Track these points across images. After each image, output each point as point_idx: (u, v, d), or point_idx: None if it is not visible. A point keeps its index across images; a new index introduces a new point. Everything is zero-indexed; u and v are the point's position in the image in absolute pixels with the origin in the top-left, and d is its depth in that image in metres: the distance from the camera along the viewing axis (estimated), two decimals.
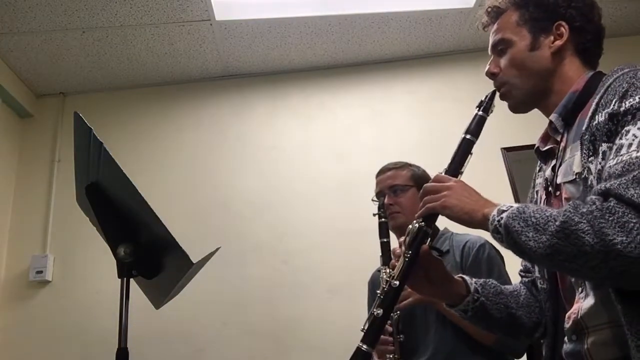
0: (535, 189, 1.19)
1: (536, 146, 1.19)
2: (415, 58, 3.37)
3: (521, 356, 1.69)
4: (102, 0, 2.68)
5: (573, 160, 0.99)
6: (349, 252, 2.82)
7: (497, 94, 1.18)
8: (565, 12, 1.12)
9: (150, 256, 1.22)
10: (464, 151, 1.14)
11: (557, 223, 0.83)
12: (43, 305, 2.89)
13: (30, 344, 2.80)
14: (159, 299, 1.39)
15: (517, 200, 2.89)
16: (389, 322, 1.64)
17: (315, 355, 2.71)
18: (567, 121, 1.07)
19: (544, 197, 1.12)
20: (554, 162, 1.10)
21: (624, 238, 0.77)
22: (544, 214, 0.86)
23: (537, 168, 1.23)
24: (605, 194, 0.83)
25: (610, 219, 0.79)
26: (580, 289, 1.00)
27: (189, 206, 3.06)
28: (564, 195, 1.02)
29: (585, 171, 0.94)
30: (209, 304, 2.82)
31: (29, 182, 3.18)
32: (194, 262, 1.13)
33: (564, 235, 0.82)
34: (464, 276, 1.20)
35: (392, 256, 1.22)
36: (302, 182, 3.10)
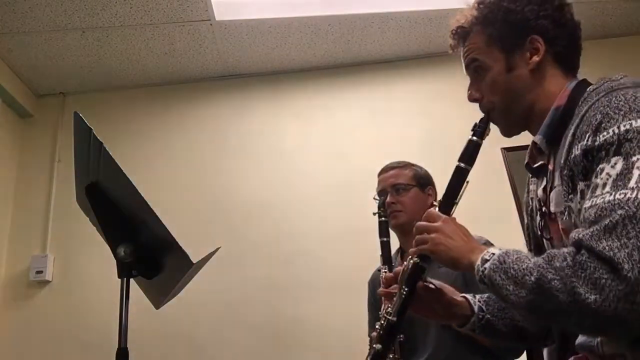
0: (530, 196, 1.16)
1: (526, 161, 1.14)
2: (415, 58, 3.37)
3: (520, 356, 1.69)
4: (102, 0, 2.68)
5: (560, 189, 0.97)
6: (349, 252, 2.82)
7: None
8: (536, 24, 1.05)
9: (150, 256, 1.22)
10: (458, 181, 1.12)
11: (532, 278, 0.83)
12: (43, 305, 2.89)
13: (30, 344, 2.80)
14: (159, 299, 1.39)
15: (517, 200, 2.89)
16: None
17: (315, 355, 2.71)
18: (552, 142, 1.02)
19: (538, 218, 1.10)
20: (544, 182, 1.06)
21: (597, 296, 0.75)
22: (522, 266, 0.85)
23: (530, 175, 1.20)
24: (577, 246, 0.81)
25: (582, 275, 0.77)
26: None
27: (189, 206, 3.06)
28: (560, 225, 0.99)
29: (567, 210, 0.94)
30: (209, 304, 2.82)
31: (29, 182, 3.18)
32: (194, 262, 1.12)
33: (539, 291, 0.81)
34: (467, 296, 1.21)
35: (382, 283, 1.26)
36: (302, 182, 3.10)
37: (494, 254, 0.92)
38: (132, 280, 1.24)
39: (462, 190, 1.12)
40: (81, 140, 1.26)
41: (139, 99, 3.39)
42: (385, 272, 1.71)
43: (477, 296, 1.21)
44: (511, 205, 2.87)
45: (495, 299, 1.20)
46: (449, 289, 1.21)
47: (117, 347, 1.16)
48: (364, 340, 1.94)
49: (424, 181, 1.89)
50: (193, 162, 3.21)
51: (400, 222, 1.82)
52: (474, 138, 1.12)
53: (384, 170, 1.91)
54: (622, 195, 0.79)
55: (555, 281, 0.79)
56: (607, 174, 0.83)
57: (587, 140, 0.88)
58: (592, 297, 0.75)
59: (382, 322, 1.13)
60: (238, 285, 2.88)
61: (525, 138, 2.68)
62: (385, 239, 1.74)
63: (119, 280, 1.21)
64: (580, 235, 0.81)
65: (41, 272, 2.91)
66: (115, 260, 1.21)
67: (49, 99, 3.38)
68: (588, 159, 0.88)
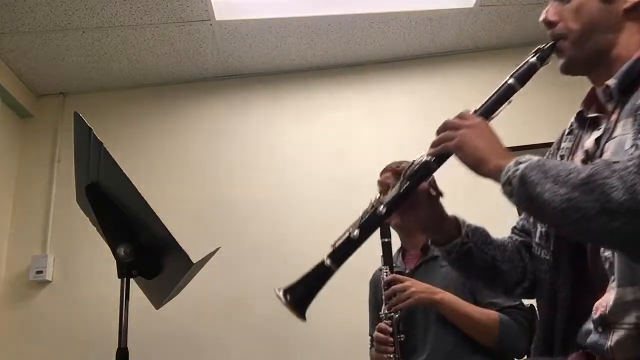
0: (561, 153, 1.09)
1: (579, 110, 1.07)
2: (415, 58, 3.36)
3: (522, 356, 1.69)
4: (102, 0, 2.68)
5: (625, 138, 0.88)
6: None
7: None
8: None
9: (150, 256, 1.23)
10: (501, 95, 1.02)
11: (581, 175, 0.75)
12: (43, 305, 2.89)
13: (30, 344, 2.80)
14: (159, 299, 1.39)
15: None
16: (389, 322, 1.65)
17: (315, 355, 2.71)
18: (623, 90, 0.94)
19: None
20: (598, 132, 0.98)
21: None
22: (568, 167, 0.78)
23: (567, 130, 1.12)
24: None
25: None
26: (612, 278, 0.90)
27: (188, 206, 3.06)
28: None
29: (634, 148, 0.84)
30: (209, 304, 2.82)
31: (29, 182, 3.18)
32: (194, 262, 1.13)
33: (587, 189, 0.73)
34: (458, 217, 1.13)
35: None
36: (302, 182, 3.10)
37: (531, 157, 0.84)
38: (132, 280, 1.24)
39: (504, 105, 1.02)
40: (81, 140, 1.26)
41: (139, 99, 3.38)
42: (386, 272, 1.71)
43: (467, 223, 1.13)
44: (512, 204, 2.87)
45: (483, 231, 1.14)
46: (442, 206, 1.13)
47: (117, 347, 1.16)
48: (364, 340, 1.94)
49: None
50: (193, 162, 3.21)
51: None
52: (532, 59, 1.03)
53: (386, 170, 1.91)
54: None
55: (612, 179, 0.72)
56: None
57: None
58: None
59: (369, 207, 1.02)
60: (238, 285, 2.88)
61: (525, 138, 2.69)
62: (386, 240, 1.75)
63: (119, 280, 1.21)
64: None
65: (41, 272, 2.91)
66: (115, 260, 1.21)
67: (49, 99, 3.38)
68: None
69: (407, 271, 1.80)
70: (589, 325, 0.93)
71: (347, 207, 3.01)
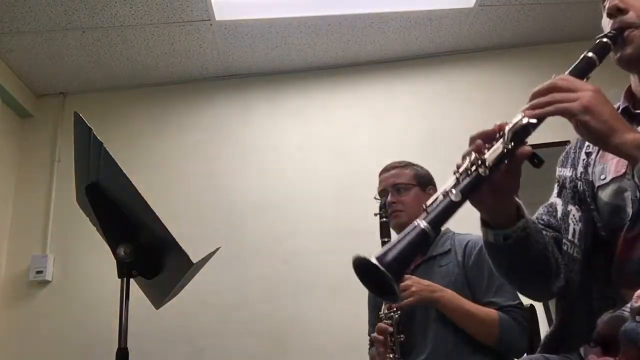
0: (586, 151, 1.04)
1: (624, 105, 1.02)
2: (415, 58, 3.37)
3: (521, 356, 1.69)
4: (102, 0, 2.68)
5: None
6: (350, 252, 2.78)
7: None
8: None
9: (150, 256, 1.23)
10: (584, 67, 0.93)
11: None
12: (43, 305, 2.89)
13: (30, 344, 2.80)
14: (159, 299, 1.39)
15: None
16: (389, 322, 1.65)
17: (315, 355, 2.71)
18: None
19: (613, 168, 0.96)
20: None
21: None
22: None
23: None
24: None
25: None
26: None
27: (189, 206, 3.06)
28: None
29: None
30: (209, 304, 2.82)
31: (29, 182, 3.18)
32: (194, 262, 1.13)
33: None
34: (519, 201, 1.02)
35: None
36: (302, 182, 3.10)
37: None
38: (132, 280, 1.24)
39: (586, 77, 0.92)
40: (81, 140, 1.26)
41: (139, 99, 3.38)
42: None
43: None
44: None
45: (535, 222, 1.07)
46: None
47: (117, 347, 1.16)
48: (364, 340, 1.94)
49: (424, 181, 1.89)
50: (193, 162, 3.21)
51: (401, 222, 1.82)
52: (604, 40, 0.95)
53: (385, 170, 1.92)
54: None
55: None
56: None
57: None
58: None
59: (471, 169, 0.87)
60: (238, 285, 2.88)
61: (545, 136, 2.63)
62: (386, 240, 1.75)
63: (119, 280, 1.21)
64: None
65: (41, 272, 2.91)
66: (115, 260, 1.21)
67: (49, 99, 3.38)
68: None
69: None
70: (621, 313, 0.87)
71: (347, 207, 3.05)
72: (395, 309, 1.64)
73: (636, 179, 0.77)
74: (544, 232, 1.09)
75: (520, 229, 0.98)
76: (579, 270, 1.02)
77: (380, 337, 1.65)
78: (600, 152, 1.03)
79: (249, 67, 3.33)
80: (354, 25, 3.05)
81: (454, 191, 0.86)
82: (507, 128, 0.88)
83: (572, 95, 0.84)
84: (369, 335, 1.88)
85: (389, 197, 1.82)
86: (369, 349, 1.89)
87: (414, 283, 1.61)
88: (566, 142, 1.23)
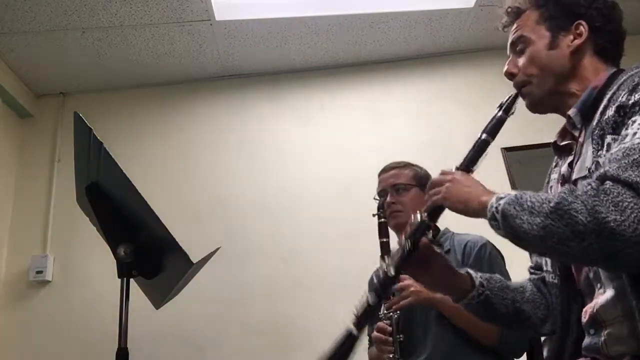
0: (550, 185, 1.19)
1: (554, 140, 1.18)
2: (415, 58, 3.37)
3: (521, 356, 1.69)
4: (102, 0, 2.68)
5: (586, 156, 0.99)
6: (349, 252, 2.82)
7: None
8: (586, 11, 1.11)
9: (150, 256, 1.23)
10: (477, 150, 1.14)
11: (551, 204, 0.83)
12: (43, 305, 2.89)
13: (30, 344, 2.80)
14: (159, 299, 1.39)
15: None
16: (388, 322, 1.65)
17: (315, 355, 2.69)
18: (585, 117, 1.06)
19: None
20: (570, 157, 1.10)
21: (618, 216, 0.76)
22: (540, 198, 0.86)
23: (554, 163, 1.22)
24: (602, 178, 0.83)
25: (605, 198, 0.78)
26: (598, 285, 0.98)
27: (189, 206, 3.06)
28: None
29: (594, 166, 0.94)
30: (209, 304, 2.81)
31: (29, 182, 3.18)
32: (194, 262, 1.13)
33: (557, 216, 0.81)
34: (469, 270, 1.21)
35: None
36: (302, 182, 3.10)
37: (509, 193, 0.93)
38: (132, 280, 1.24)
39: (481, 158, 1.13)
40: (81, 140, 1.26)
41: (139, 99, 3.38)
42: (383, 262, 1.70)
43: (479, 273, 1.21)
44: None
45: (498, 278, 1.22)
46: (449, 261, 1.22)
47: (117, 347, 1.16)
48: (364, 340, 1.94)
49: (424, 181, 1.89)
50: (193, 162, 3.21)
51: (400, 222, 1.82)
52: (500, 113, 1.15)
53: (384, 171, 1.91)
54: None
55: (576, 204, 0.80)
56: (637, 123, 0.86)
57: (622, 98, 0.92)
58: (613, 216, 0.76)
59: (380, 273, 1.13)
60: (238, 285, 2.88)
61: (525, 138, 2.69)
62: (385, 240, 1.74)
63: (119, 280, 1.21)
64: (606, 168, 0.83)
65: (41, 272, 2.91)
66: (115, 260, 1.21)
67: (49, 99, 3.38)
68: (620, 114, 0.91)
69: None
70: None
71: (347, 207, 3.05)
72: (394, 309, 1.64)
73: (495, 225, 0.92)
74: (532, 277, 1.24)
75: (476, 296, 1.16)
76: (558, 294, 1.13)
77: (381, 337, 1.65)
78: (557, 183, 1.15)
79: (249, 67, 3.34)
80: (354, 25, 3.05)
81: (370, 297, 1.13)
82: (402, 238, 1.13)
83: (437, 190, 1.07)
84: (369, 334, 1.88)
85: (388, 198, 1.82)
86: (369, 348, 1.89)
87: (413, 283, 1.61)
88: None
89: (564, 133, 1.15)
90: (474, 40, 3.21)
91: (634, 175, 0.78)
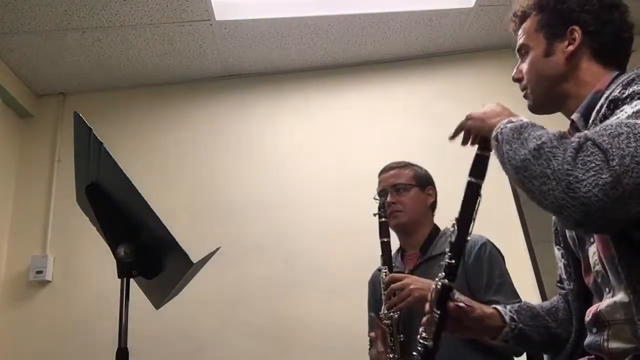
0: None
1: None
2: (415, 58, 3.37)
3: (521, 355, 1.69)
4: (102, 0, 2.68)
5: None
6: (350, 252, 2.82)
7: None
8: (579, 16, 1.12)
9: (150, 256, 1.22)
10: (472, 198, 1.14)
11: (538, 142, 0.86)
12: (43, 305, 2.89)
13: (30, 344, 2.80)
14: (159, 299, 1.39)
15: (517, 200, 2.89)
16: (388, 322, 1.65)
17: (315, 355, 2.71)
18: (588, 120, 1.05)
19: None
20: None
21: (580, 174, 0.78)
22: (536, 133, 0.89)
23: None
24: (584, 137, 0.84)
25: (580, 155, 0.80)
26: (607, 289, 0.99)
27: (189, 206, 3.06)
28: None
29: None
30: (209, 304, 2.82)
31: (29, 182, 3.18)
32: (194, 262, 1.13)
33: (537, 153, 0.84)
34: (497, 307, 1.22)
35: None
36: (302, 181, 3.10)
37: (522, 120, 0.97)
38: (132, 280, 1.24)
39: (477, 205, 1.13)
40: (81, 140, 1.26)
41: (139, 99, 3.38)
42: (385, 272, 1.71)
43: (508, 307, 1.22)
44: (511, 205, 2.87)
45: (526, 306, 1.23)
46: (477, 304, 1.22)
47: (117, 347, 1.16)
48: (364, 340, 1.94)
49: (424, 181, 1.89)
50: (193, 162, 3.21)
51: (400, 222, 1.82)
52: (479, 152, 1.16)
53: (385, 170, 1.91)
54: (632, 120, 0.83)
55: (557, 149, 0.83)
56: (625, 111, 0.87)
57: (615, 92, 0.93)
58: (577, 173, 0.79)
59: (419, 347, 1.14)
60: (238, 285, 2.88)
61: None
62: (385, 240, 1.74)
63: (119, 280, 1.21)
64: (586, 133, 0.84)
65: (41, 272, 2.91)
66: (115, 260, 1.21)
67: (49, 99, 3.38)
68: (610, 107, 0.92)
69: (406, 271, 1.80)
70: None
71: (347, 207, 3.05)
72: (395, 309, 1.64)
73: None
74: (560, 292, 1.25)
75: (509, 331, 1.18)
76: (574, 299, 1.15)
77: (381, 337, 1.64)
78: None
79: (249, 67, 3.34)
80: (354, 25, 3.05)
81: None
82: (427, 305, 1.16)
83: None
84: (369, 335, 1.88)
85: (388, 197, 1.82)
86: (369, 349, 1.89)
87: (412, 282, 1.61)
88: None
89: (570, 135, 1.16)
90: (474, 40, 3.22)
91: (607, 142, 0.79)
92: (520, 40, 1.20)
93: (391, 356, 1.61)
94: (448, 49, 3.32)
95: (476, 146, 1.15)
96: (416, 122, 3.22)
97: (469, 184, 1.13)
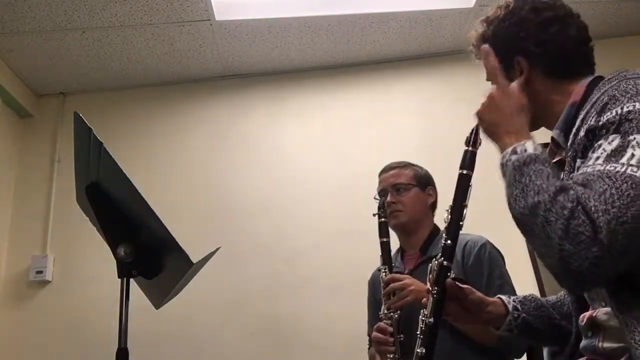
0: None
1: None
2: (415, 58, 3.37)
3: (521, 356, 1.69)
4: (102, 0, 2.68)
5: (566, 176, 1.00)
6: (349, 252, 2.82)
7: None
8: (517, 46, 1.11)
9: (150, 256, 1.23)
10: (463, 187, 1.18)
11: (535, 199, 0.85)
12: (43, 305, 2.89)
13: (30, 344, 2.80)
14: (159, 299, 1.39)
15: None
16: (388, 322, 1.65)
17: (315, 355, 2.71)
18: (568, 135, 1.05)
19: None
20: (561, 175, 1.08)
21: (572, 247, 0.78)
22: (537, 181, 0.88)
23: None
24: (577, 198, 0.82)
25: (572, 222, 0.79)
26: (603, 303, 0.99)
27: (189, 206, 3.06)
28: None
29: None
30: (209, 304, 2.82)
31: (29, 182, 3.18)
32: (194, 262, 1.13)
33: (534, 213, 0.84)
34: (501, 296, 1.23)
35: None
36: (302, 181, 3.10)
37: (525, 150, 0.95)
38: (132, 280, 1.24)
39: (469, 192, 1.18)
40: (81, 140, 1.26)
41: (139, 99, 3.38)
42: (385, 272, 1.71)
43: (512, 297, 1.22)
44: None
45: (531, 297, 1.24)
46: (477, 291, 1.24)
47: (117, 347, 1.16)
48: (364, 340, 1.94)
49: (424, 181, 1.90)
50: (193, 162, 3.21)
51: (400, 222, 1.83)
52: (469, 148, 1.19)
53: (385, 170, 1.92)
54: (612, 168, 0.82)
55: (551, 214, 0.82)
56: (603, 149, 0.86)
57: (592, 121, 0.92)
58: (568, 246, 0.79)
59: (421, 325, 1.16)
60: (238, 285, 2.88)
61: None
62: (385, 240, 1.75)
63: (119, 280, 1.21)
64: (577, 189, 0.83)
65: (41, 272, 2.91)
66: (115, 260, 1.21)
67: (49, 99, 3.38)
68: (589, 137, 0.91)
69: (405, 271, 1.80)
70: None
71: (347, 207, 3.05)
72: (395, 309, 1.64)
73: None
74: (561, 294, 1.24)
75: (512, 320, 1.19)
76: (573, 300, 1.13)
77: (381, 336, 1.64)
78: None
79: (249, 67, 3.34)
80: (354, 25, 3.05)
81: (419, 350, 1.17)
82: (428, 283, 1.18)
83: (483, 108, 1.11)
84: (369, 335, 1.88)
85: (388, 197, 1.82)
86: (369, 349, 1.90)
87: (412, 282, 1.61)
88: None
89: (553, 151, 1.15)
90: None
91: (593, 209, 0.79)
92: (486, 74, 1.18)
93: (391, 356, 1.61)
94: (448, 49, 3.32)
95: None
96: (416, 122, 3.22)
97: (465, 175, 1.18)
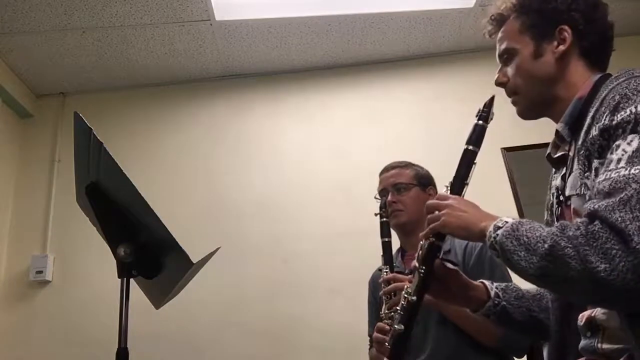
0: (551, 192, 1.19)
1: (547, 152, 1.17)
2: (415, 58, 3.37)
3: (522, 356, 1.69)
4: (102, 0, 2.69)
5: (576, 173, 0.99)
6: (350, 252, 2.82)
7: (494, 100, 1.18)
8: (567, 16, 1.09)
9: (150, 256, 1.22)
10: (467, 163, 1.15)
11: (545, 246, 0.83)
12: (43, 305, 2.89)
13: (30, 344, 2.80)
14: (159, 299, 1.39)
15: (517, 200, 2.89)
16: (389, 322, 1.64)
17: (315, 355, 2.71)
18: (574, 129, 1.05)
19: (555, 205, 1.12)
20: (564, 170, 1.09)
21: (607, 265, 0.76)
22: (535, 234, 0.87)
23: (553, 170, 1.22)
24: (591, 216, 0.82)
25: (594, 244, 0.78)
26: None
27: (189, 206, 3.06)
28: (572, 206, 1.02)
29: (583, 188, 0.95)
30: (209, 304, 2.82)
31: (29, 182, 3.18)
32: (194, 262, 1.12)
33: (552, 258, 0.82)
34: (484, 281, 1.23)
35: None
36: (302, 182, 3.10)
37: (507, 222, 0.94)
38: (132, 280, 1.24)
39: (471, 172, 1.15)
40: (81, 140, 1.26)
41: (139, 99, 3.39)
42: (386, 272, 1.71)
43: (495, 283, 1.23)
44: (511, 205, 2.87)
45: (514, 287, 1.24)
46: (463, 274, 1.24)
47: (117, 347, 1.16)
48: (364, 340, 1.94)
49: (424, 181, 1.89)
50: (193, 162, 3.21)
51: (401, 222, 1.82)
52: (479, 122, 1.17)
53: (385, 170, 1.91)
54: (637, 171, 0.81)
55: (568, 249, 0.80)
56: (623, 150, 0.85)
57: (605, 120, 0.91)
58: (602, 266, 0.77)
59: (403, 302, 1.15)
60: (238, 285, 2.88)
61: (525, 138, 2.69)
62: (386, 240, 1.74)
63: (119, 280, 1.21)
64: (595, 206, 0.82)
65: (41, 272, 2.91)
66: (115, 260, 1.21)
67: (49, 99, 3.38)
68: (604, 137, 0.90)
69: (406, 271, 1.80)
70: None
71: (347, 207, 3.04)
72: (395, 309, 1.64)
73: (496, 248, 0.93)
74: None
75: (492, 306, 1.20)
76: (555, 299, 1.13)
77: (382, 336, 1.64)
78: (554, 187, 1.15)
79: (249, 67, 3.34)
80: (354, 25, 3.05)
81: (397, 327, 1.14)
82: (413, 262, 1.17)
83: (436, 216, 1.08)
84: (369, 335, 1.88)
85: (389, 197, 1.82)
86: (369, 349, 1.89)
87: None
88: None
89: (556, 145, 1.15)
90: (474, 40, 3.21)
91: (620, 220, 0.77)
92: (503, 45, 1.17)
93: None
94: (448, 49, 3.32)
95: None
96: (416, 122, 3.22)
97: (466, 150, 1.16)
